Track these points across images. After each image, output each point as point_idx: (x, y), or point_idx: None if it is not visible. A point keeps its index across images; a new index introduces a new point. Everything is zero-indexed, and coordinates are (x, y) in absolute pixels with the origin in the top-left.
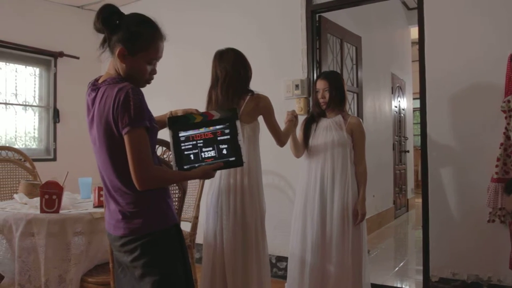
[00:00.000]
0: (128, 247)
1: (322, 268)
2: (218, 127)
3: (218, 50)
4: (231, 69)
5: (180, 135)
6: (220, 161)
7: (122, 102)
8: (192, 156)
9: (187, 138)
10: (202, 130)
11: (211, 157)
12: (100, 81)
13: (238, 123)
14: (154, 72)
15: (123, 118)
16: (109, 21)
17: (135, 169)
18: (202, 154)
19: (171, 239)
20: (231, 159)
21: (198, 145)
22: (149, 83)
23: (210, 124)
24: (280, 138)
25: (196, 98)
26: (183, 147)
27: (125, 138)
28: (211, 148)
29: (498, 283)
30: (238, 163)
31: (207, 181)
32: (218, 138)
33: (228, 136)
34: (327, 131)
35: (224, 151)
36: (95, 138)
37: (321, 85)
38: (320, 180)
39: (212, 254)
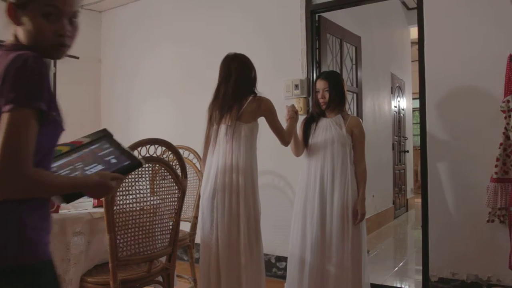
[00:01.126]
0: None
1: (321, 268)
2: (93, 147)
3: (230, 52)
4: (245, 67)
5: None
6: (116, 169)
7: (15, 71)
8: None
9: (60, 167)
10: (75, 155)
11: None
12: None
13: (115, 137)
14: (62, 31)
15: (10, 91)
16: None
17: (1, 162)
18: (87, 172)
19: (43, 280)
20: (126, 163)
21: (78, 167)
22: (59, 48)
23: (83, 148)
24: (284, 138)
25: (196, 97)
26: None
27: (3, 117)
28: (95, 164)
29: (497, 283)
30: (136, 163)
31: (203, 181)
32: (99, 154)
33: (111, 149)
34: (326, 130)
35: (114, 160)
36: None
37: (321, 85)
38: (320, 179)
39: (208, 253)
